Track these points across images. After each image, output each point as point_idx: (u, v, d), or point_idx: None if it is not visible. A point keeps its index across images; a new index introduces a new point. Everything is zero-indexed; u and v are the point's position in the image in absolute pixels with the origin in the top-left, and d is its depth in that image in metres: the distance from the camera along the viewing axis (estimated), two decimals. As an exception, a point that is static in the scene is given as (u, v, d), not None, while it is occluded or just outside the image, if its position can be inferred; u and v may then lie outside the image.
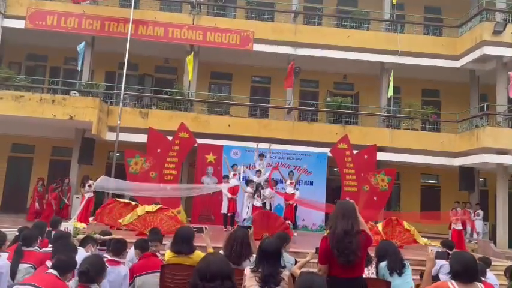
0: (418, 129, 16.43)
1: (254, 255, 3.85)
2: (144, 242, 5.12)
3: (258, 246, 3.71)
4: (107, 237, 5.69)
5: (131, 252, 5.41)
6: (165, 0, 17.34)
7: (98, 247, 5.35)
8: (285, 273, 3.54)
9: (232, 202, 12.36)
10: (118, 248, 4.69)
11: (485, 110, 14.69)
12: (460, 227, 12.59)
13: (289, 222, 11.81)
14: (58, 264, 3.59)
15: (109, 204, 11.38)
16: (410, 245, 10.76)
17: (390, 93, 15.39)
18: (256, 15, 16.89)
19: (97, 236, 5.88)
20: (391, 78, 15.31)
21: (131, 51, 14.07)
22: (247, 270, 3.56)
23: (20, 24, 14.86)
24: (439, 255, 4.14)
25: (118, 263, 4.54)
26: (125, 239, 5.01)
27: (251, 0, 17.65)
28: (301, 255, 8.70)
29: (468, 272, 3.17)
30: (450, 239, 11.89)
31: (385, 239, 9.91)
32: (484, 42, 14.61)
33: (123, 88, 13.90)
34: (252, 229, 4.72)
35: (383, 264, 4.57)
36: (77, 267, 3.58)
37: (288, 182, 12.94)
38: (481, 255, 7.46)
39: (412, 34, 16.68)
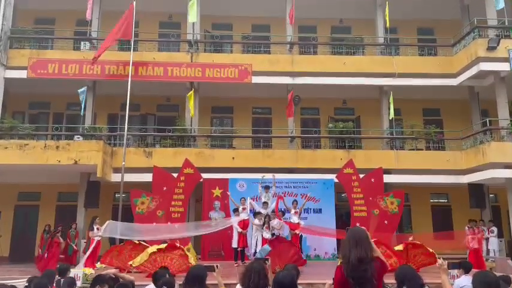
0: (422, 149, 16.38)
1: (270, 288, 3.76)
2: (166, 284, 4.94)
3: (272, 280, 3.63)
4: (128, 277, 5.63)
5: None
6: (162, 41, 17.76)
7: None
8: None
9: (242, 236, 12.22)
10: None
11: (488, 125, 14.68)
12: (476, 246, 12.33)
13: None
14: None
15: (116, 247, 11.20)
16: (426, 268, 10.51)
17: (391, 115, 15.46)
18: (252, 49, 17.22)
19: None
20: (391, 100, 15.42)
21: (132, 92, 14.25)
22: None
23: (22, 74, 15.14)
24: (451, 266, 4.05)
25: None
26: (127, 283, 4.93)
27: (247, 34, 18.05)
28: (316, 287, 8.52)
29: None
30: (467, 259, 11.64)
31: (399, 261, 9.72)
32: (479, 59, 14.76)
33: (126, 129, 13.95)
34: (269, 261, 4.63)
35: None
36: None
37: (293, 211, 12.85)
38: (501, 274, 7.26)
39: (408, 56, 16.90)
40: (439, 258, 9.53)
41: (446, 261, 4.07)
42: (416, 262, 10.41)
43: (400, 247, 10.75)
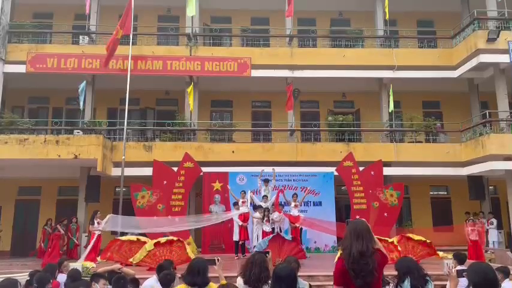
0: (422, 142, 16.39)
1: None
2: (167, 276, 4.98)
3: (272, 272, 3.65)
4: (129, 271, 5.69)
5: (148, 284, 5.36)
6: (161, 35, 17.69)
7: None
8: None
9: (243, 229, 12.26)
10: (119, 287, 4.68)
11: (487, 117, 14.67)
12: (476, 238, 12.37)
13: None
14: None
15: (115, 242, 11.18)
16: (426, 259, 10.55)
17: (391, 108, 15.44)
18: (252, 42, 17.16)
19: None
20: (391, 93, 15.40)
21: (132, 86, 14.19)
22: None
23: (21, 68, 15.10)
24: (460, 274, 4.01)
25: None
26: (123, 276, 4.98)
27: (246, 27, 17.97)
28: (316, 279, 8.57)
29: (488, 282, 3.09)
30: (467, 251, 11.69)
31: (399, 256, 9.75)
32: (479, 51, 14.71)
33: (125, 123, 13.91)
34: (270, 254, 4.64)
35: (406, 283, 4.39)
36: None
37: (293, 204, 12.87)
38: (499, 265, 7.29)
39: (407, 48, 16.85)
40: (446, 261, 9.59)
41: (455, 270, 4.05)
42: (416, 254, 10.44)
43: (395, 239, 10.74)
